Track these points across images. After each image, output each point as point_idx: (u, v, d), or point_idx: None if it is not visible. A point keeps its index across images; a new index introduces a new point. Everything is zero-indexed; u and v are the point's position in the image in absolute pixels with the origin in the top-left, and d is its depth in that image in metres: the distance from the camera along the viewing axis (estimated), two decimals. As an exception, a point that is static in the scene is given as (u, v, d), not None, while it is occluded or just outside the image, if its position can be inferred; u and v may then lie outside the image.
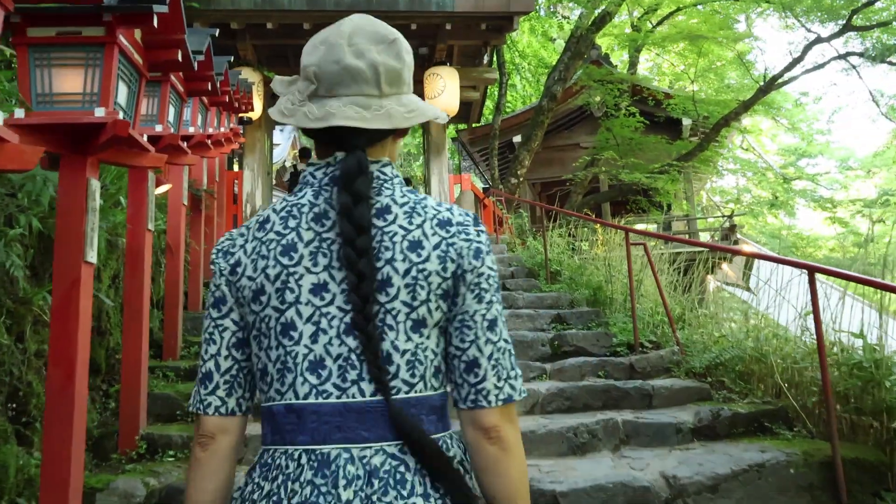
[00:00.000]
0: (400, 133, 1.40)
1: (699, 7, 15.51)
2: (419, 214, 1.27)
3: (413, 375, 1.22)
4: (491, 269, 1.30)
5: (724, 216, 21.78)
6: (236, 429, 1.34)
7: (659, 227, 18.36)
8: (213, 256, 1.34)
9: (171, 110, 4.51)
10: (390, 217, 1.26)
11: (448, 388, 1.32)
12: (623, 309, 7.83)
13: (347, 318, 1.21)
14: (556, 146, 20.84)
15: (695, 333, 6.52)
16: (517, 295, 7.88)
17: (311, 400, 1.20)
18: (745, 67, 15.81)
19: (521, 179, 16.52)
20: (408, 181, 16.90)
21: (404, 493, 1.16)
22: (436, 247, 1.24)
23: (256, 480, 1.24)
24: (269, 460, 1.24)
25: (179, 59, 3.52)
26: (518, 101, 22.54)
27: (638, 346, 6.33)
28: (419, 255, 1.23)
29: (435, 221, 1.27)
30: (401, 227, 1.25)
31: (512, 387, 1.27)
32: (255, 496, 1.21)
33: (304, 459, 1.19)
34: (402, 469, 1.18)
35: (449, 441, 1.27)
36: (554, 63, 22.30)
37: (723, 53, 16.87)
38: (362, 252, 1.20)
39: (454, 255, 1.25)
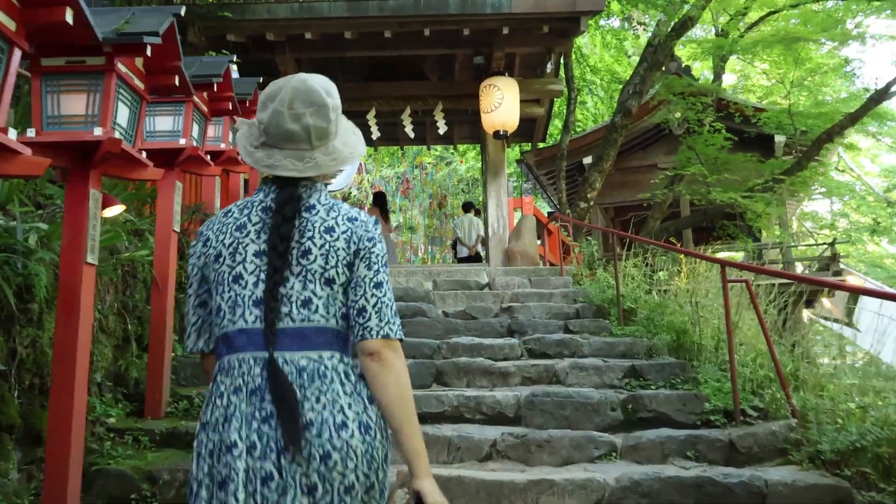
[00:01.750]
0: None
1: (795, 10, 13.77)
2: (335, 211, 1.90)
3: (328, 312, 1.83)
4: (380, 250, 1.90)
5: (822, 244, 19.83)
6: (211, 362, 1.92)
7: (748, 255, 16.68)
8: (194, 241, 1.96)
9: (196, 127, 4.89)
10: (314, 211, 1.88)
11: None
12: (714, 359, 6.30)
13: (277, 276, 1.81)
14: (630, 167, 19.28)
15: (814, 395, 4.98)
16: (581, 340, 6.44)
17: (257, 325, 1.79)
18: (846, 77, 13.99)
19: (591, 203, 14.98)
20: (469, 205, 15.67)
21: (326, 381, 1.78)
22: (344, 232, 1.86)
23: (219, 379, 1.82)
24: (226, 365, 1.82)
25: (177, 83, 3.86)
26: (589, 120, 21.06)
27: (738, 415, 4.83)
28: (332, 236, 1.85)
29: (346, 217, 1.90)
30: (321, 217, 1.87)
31: (390, 328, 1.84)
32: (222, 388, 1.80)
33: (251, 362, 1.78)
34: (322, 368, 1.78)
35: (338, 355, 1.83)
36: (628, 77, 20.89)
37: (822, 61, 15.07)
38: (281, 254, 1.81)
39: (356, 239, 1.87)
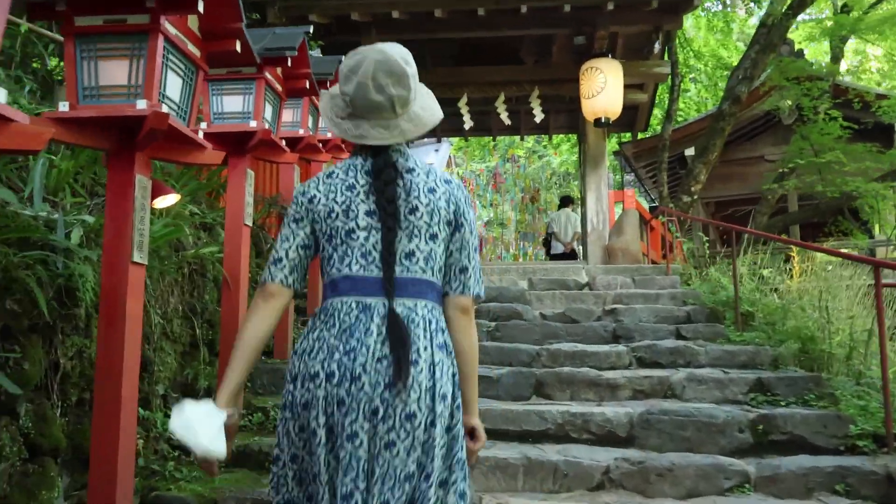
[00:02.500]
0: None
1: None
2: (432, 174, 2.07)
3: (426, 265, 1.99)
4: (473, 216, 2.16)
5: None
6: (287, 297, 2.05)
7: (862, 253, 15.50)
8: (295, 195, 2.10)
9: (269, 108, 4.40)
10: (415, 173, 2.04)
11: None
12: (848, 371, 5.57)
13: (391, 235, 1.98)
14: (735, 160, 18.22)
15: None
16: (697, 347, 5.77)
17: (360, 273, 1.96)
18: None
19: (695, 197, 14.09)
20: (567, 200, 14.99)
21: (412, 326, 1.92)
22: (443, 192, 2.04)
23: (320, 317, 1.99)
24: (329, 307, 1.98)
25: (238, 49, 3.30)
26: (692, 109, 20.03)
27: (893, 439, 4.12)
28: (434, 195, 2.02)
29: (442, 179, 2.08)
30: (422, 179, 2.04)
31: (480, 287, 2.11)
32: (317, 323, 1.98)
33: (353, 304, 1.94)
34: (412, 315, 1.94)
35: (430, 305, 2.00)
36: (736, 62, 19.74)
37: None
38: (391, 214, 1.96)
39: (453, 200, 2.05)
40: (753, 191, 18.89)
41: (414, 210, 1.98)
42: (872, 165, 14.68)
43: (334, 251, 1.99)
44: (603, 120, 9.69)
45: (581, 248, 12.03)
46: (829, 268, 9.47)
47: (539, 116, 10.83)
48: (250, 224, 4.52)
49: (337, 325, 1.92)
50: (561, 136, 18.67)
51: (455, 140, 21.71)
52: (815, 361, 5.65)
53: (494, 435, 4.37)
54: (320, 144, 5.93)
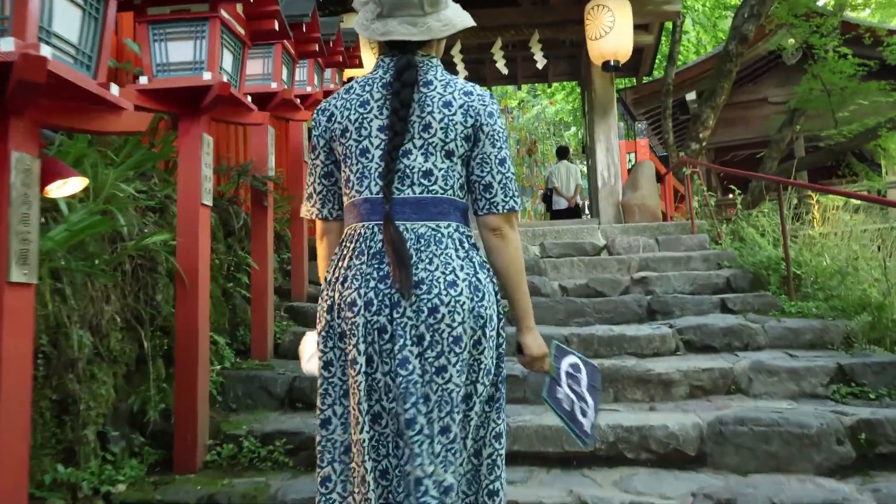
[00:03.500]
0: (442, 38, 2.03)
1: None
2: (451, 86, 1.94)
3: (446, 184, 1.90)
4: (500, 125, 1.98)
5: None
6: (334, 228, 2.08)
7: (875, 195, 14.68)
8: (315, 115, 2.03)
9: (285, 70, 4.61)
10: (432, 87, 1.92)
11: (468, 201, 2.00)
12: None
13: (402, 148, 1.89)
14: (737, 103, 17.35)
15: None
16: (752, 325, 4.90)
17: (381, 195, 1.87)
18: None
19: (704, 144, 13.17)
20: (565, 151, 14.04)
21: (441, 247, 1.86)
22: (461, 105, 1.91)
23: (345, 244, 1.94)
24: (352, 232, 1.93)
25: (276, 28, 3.80)
26: (690, 52, 19.00)
27: None
28: (450, 110, 1.89)
29: (462, 91, 1.94)
30: (438, 93, 1.91)
31: (515, 201, 1.96)
32: (345, 251, 1.92)
33: (375, 228, 1.87)
34: (438, 236, 1.87)
35: (455, 225, 1.92)
36: (734, 1, 18.64)
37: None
38: (402, 118, 1.86)
39: (473, 113, 1.91)
40: (758, 134, 18.02)
41: (427, 126, 1.89)
42: (884, 101, 13.87)
43: (351, 173, 1.94)
44: (612, 63, 8.69)
45: (591, 205, 11.10)
46: (842, 213, 8.70)
47: (541, 62, 9.81)
48: (210, 203, 3.60)
49: (365, 251, 1.87)
50: (555, 84, 17.60)
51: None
52: (887, 334, 4.83)
53: (529, 459, 3.54)
54: (298, 100, 5.02)
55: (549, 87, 15.33)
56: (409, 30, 1.91)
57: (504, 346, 1.97)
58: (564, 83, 19.03)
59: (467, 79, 11.39)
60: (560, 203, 12.79)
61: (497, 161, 1.93)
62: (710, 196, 9.07)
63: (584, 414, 2.10)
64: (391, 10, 1.91)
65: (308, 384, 4.09)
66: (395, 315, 1.79)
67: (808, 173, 16.66)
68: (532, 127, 18.02)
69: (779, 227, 8.55)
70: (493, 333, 1.90)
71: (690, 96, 17.56)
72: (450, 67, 10.39)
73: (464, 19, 2.00)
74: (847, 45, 13.81)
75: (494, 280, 1.96)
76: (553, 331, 4.96)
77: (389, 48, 1.98)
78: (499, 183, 1.92)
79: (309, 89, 5.47)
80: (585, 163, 11.57)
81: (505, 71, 10.13)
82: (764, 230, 8.05)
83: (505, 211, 1.93)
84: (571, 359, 2.18)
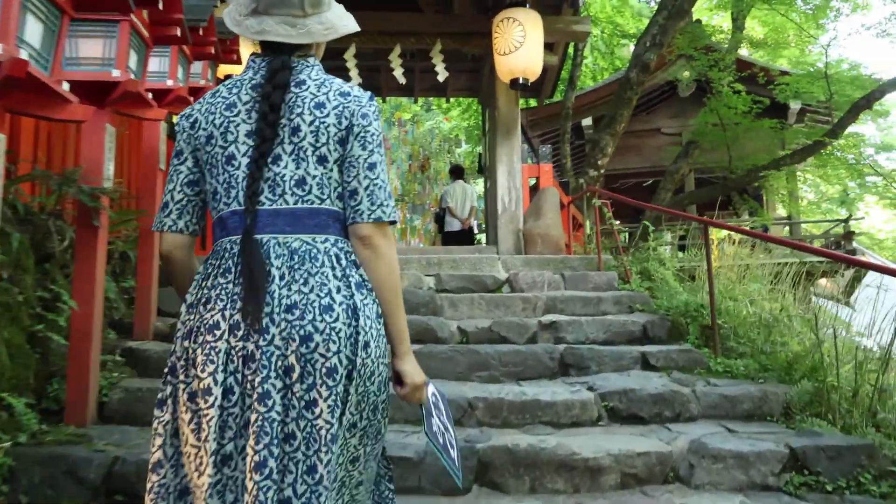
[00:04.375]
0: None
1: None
2: (326, 87, 1.77)
3: (322, 193, 1.72)
4: (375, 129, 1.79)
5: (835, 220, 18.01)
6: (184, 244, 1.83)
7: (755, 229, 14.72)
8: (178, 121, 1.82)
9: (133, 57, 3.74)
10: (304, 87, 1.75)
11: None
12: (870, 419, 4.25)
13: (271, 154, 1.71)
14: (630, 131, 17.10)
15: None
16: (682, 388, 4.27)
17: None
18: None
19: (602, 172, 12.79)
20: (459, 170, 13.36)
21: (317, 264, 1.67)
22: (335, 107, 1.74)
23: (210, 261, 1.73)
24: (219, 248, 1.72)
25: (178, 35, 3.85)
26: (587, 78, 18.78)
27: None
28: (322, 111, 1.72)
29: (338, 92, 1.77)
30: (311, 93, 1.74)
31: (383, 211, 1.75)
32: (210, 270, 1.71)
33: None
34: (313, 251, 1.69)
35: (333, 239, 1.73)
36: (632, 30, 18.58)
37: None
38: (271, 123, 1.69)
39: (347, 114, 1.74)
40: (650, 164, 17.98)
41: (296, 130, 1.71)
42: (775, 139, 13.99)
43: (218, 183, 1.74)
44: (521, 81, 8.03)
45: (487, 230, 10.40)
46: (736, 248, 8.41)
47: (442, 74, 9.03)
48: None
49: (233, 268, 1.68)
50: (452, 99, 16.95)
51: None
52: (829, 405, 4.30)
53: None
54: (150, 95, 4.13)
55: (448, 101, 14.60)
56: (287, 31, 1.78)
57: (385, 377, 1.77)
58: (461, 99, 18.42)
59: (361, 87, 10.52)
60: (453, 224, 12.10)
61: (366, 165, 1.76)
62: (618, 229, 8.43)
63: (452, 446, 1.96)
64: (268, 7, 1.77)
65: (134, 468, 3.05)
66: (262, 342, 1.59)
67: (696, 207, 16.68)
68: (426, 142, 17.28)
69: (686, 262, 8.12)
70: (371, 361, 1.70)
71: (587, 121, 17.33)
72: (342, 73, 9.57)
73: (348, 24, 1.88)
74: (741, 82, 13.80)
75: (377, 300, 1.76)
76: (453, 389, 4.19)
77: (263, 48, 1.83)
78: (365, 189, 1.75)
79: (169, 83, 4.54)
80: (484, 185, 10.90)
81: (403, 81, 9.31)
82: (665, 265, 7.61)
83: (370, 220, 1.75)
84: (430, 386, 1.96)
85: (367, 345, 1.67)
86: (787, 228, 17.66)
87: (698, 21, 15.83)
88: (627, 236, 14.45)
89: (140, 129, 4.86)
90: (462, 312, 5.96)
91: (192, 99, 4.81)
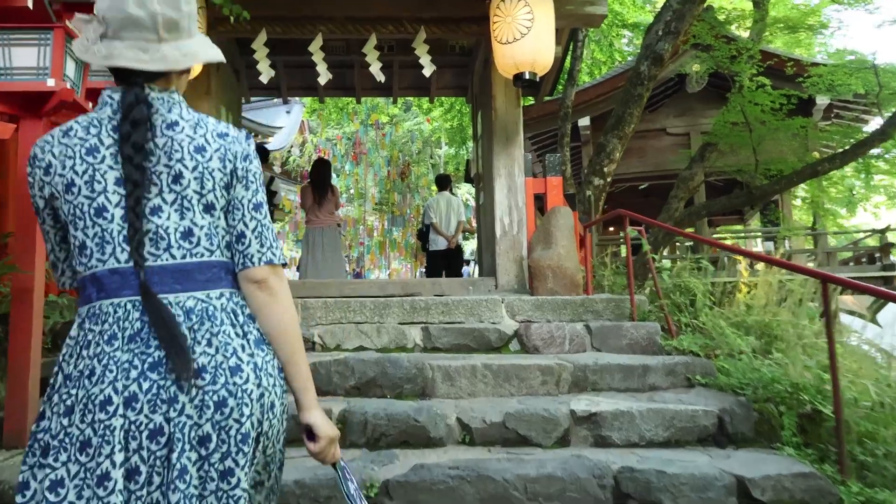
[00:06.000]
0: (184, 70, 1.68)
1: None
2: (202, 127, 1.63)
3: (212, 244, 1.60)
4: (257, 168, 1.69)
5: (868, 231, 16.48)
6: None
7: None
8: (28, 168, 1.61)
9: (71, 65, 3.58)
10: (178, 129, 1.59)
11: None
12: None
13: (150, 205, 1.56)
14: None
15: None
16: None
17: (130, 264, 1.52)
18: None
19: (609, 180, 11.17)
20: (446, 181, 11.70)
21: (216, 323, 1.55)
22: (216, 150, 1.61)
23: (88, 326, 1.53)
24: (98, 311, 1.54)
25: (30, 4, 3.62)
26: (583, 73, 17.16)
27: None
28: (203, 156, 1.59)
29: (215, 132, 1.64)
30: (188, 136, 1.59)
31: (273, 254, 1.67)
32: (90, 336, 1.52)
33: (129, 306, 1.51)
34: (210, 309, 1.55)
35: (229, 293, 1.62)
36: (632, 20, 17.00)
37: None
38: (138, 167, 1.52)
39: (230, 157, 1.63)
40: (654, 167, 16.40)
41: (178, 177, 1.57)
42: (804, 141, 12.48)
43: (87, 237, 1.57)
44: (527, 76, 6.35)
45: (480, 258, 8.67)
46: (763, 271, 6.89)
47: (429, 68, 7.30)
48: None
49: (119, 334, 1.50)
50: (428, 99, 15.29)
51: (308, 101, 17.91)
52: None
53: None
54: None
55: (431, 101, 12.95)
56: (138, 55, 1.59)
57: (281, 437, 1.67)
58: (444, 98, 16.75)
59: (330, 86, 8.73)
60: (438, 243, 10.50)
61: (251, 206, 1.67)
62: (655, 264, 6.69)
63: None
64: (118, 31, 1.60)
65: None
66: (173, 413, 1.46)
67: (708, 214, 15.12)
68: (405, 146, 15.60)
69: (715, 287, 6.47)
70: (278, 421, 1.62)
71: (584, 121, 15.74)
72: (306, 70, 7.89)
73: (211, 54, 1.70)
74: (765, 75, 12.25)
75: (277, 356, 1.66)
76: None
77: (116, 79, 1.64)
78: (253, 231, 1.66)
79: (51, 83, 3.49)
80: (476, 200, 9.22)
81: (381, 78, 7.61)
82: (678, 289, 6.05)
83: (262, 264, 1.65)
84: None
85: (272, 405, 1.60)
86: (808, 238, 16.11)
87: (709, 7, 14.30)
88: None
89: (16, 154, 3.67)
90: (460, 389, 4.31)
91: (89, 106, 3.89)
